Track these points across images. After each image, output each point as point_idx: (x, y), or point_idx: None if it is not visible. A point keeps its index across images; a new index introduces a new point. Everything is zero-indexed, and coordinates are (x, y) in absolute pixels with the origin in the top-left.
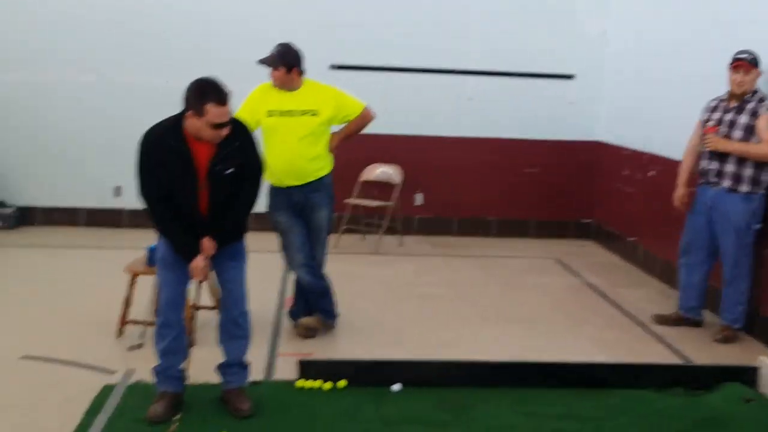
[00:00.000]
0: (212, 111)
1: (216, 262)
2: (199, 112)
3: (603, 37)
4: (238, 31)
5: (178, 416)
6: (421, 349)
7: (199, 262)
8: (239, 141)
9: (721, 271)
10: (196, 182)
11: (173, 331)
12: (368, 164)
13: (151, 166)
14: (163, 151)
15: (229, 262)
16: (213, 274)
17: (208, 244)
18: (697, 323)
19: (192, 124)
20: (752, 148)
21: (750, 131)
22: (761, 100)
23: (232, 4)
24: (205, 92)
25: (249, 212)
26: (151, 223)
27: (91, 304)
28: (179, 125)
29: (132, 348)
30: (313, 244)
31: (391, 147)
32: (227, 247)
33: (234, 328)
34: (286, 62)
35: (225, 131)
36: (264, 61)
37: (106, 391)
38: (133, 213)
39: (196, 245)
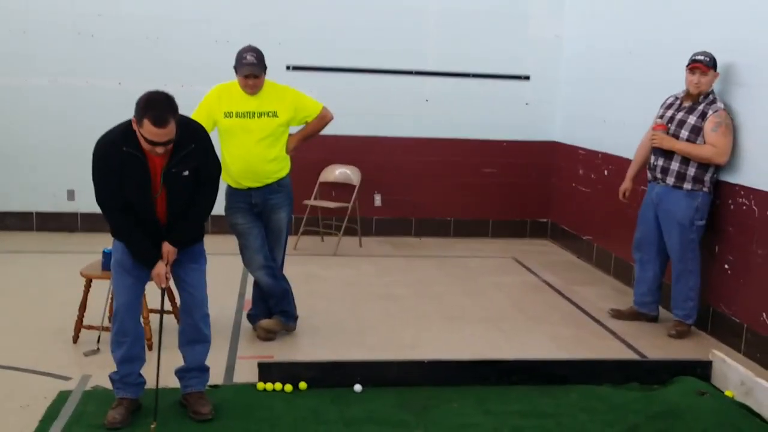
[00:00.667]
0: (147, 127)
1: (175, 265)
2: (138, 123)
3: (557, 40)
4: (194, 33)
5: (154, 424)
6: (383, 349)
7: (160, 270)
8: (195, 143)
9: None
10: (152, 186)
11: (129, 338)
12: (327, 165)
13: (106, 173)
14: (117, 156)
15: (189, 264)
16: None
17: (168, 249)
18: (652, 318)
19: (136, 129)
20: (694, 149)
21: (697, 132)
22: (712, 102)
23: (186, 6)
24: (148, 107)
25: (207, 215)
26: (110, 229)
27: (46, 310)
28: (130, 130)
29: (88, 353)
30: (272, 246)
31: (349, 148)
32: (187, 249)
33: (194, 332)
34: (264, 66)
35: (159, 150)
36: (254, 74)
37: (62, 397)
38: (87, 216)
39: (155, 252)
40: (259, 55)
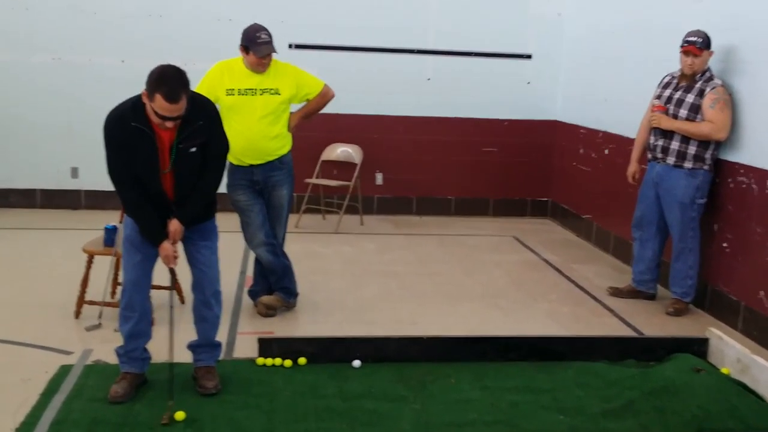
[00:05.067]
0: (159, 102)
1: (187, 243)
2: (150, 97)
3: (559, 19)
4: (196, 10)
5: (171, 403)
6: (382, 325)
7: (168, 251)
8: (203, 119)
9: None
10: (161, 162)
11: (137, 313)
12: (328, 144)
13: (116, 148)
14: (126, 132)
15: (200, 242)
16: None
17: (175, 228)
18: (650, 296)
19: (146, 103)
20: (693, 127)
21: (695, 110)
22: (709, 79)
23: None
24: (160, 82)
25: (214, 192)
26: (122, 205)
27: (49, 285)
28: (139, 105)
29: (90, 328)
30: (274, 223)
31: (351, 127)
32: (199, 226)
33: (205, 309)
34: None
35: (169, 124)
36: (271, 51)
37: (64, 371)
38: (91, 194)
39: (162, 230)
40: (270, 34)
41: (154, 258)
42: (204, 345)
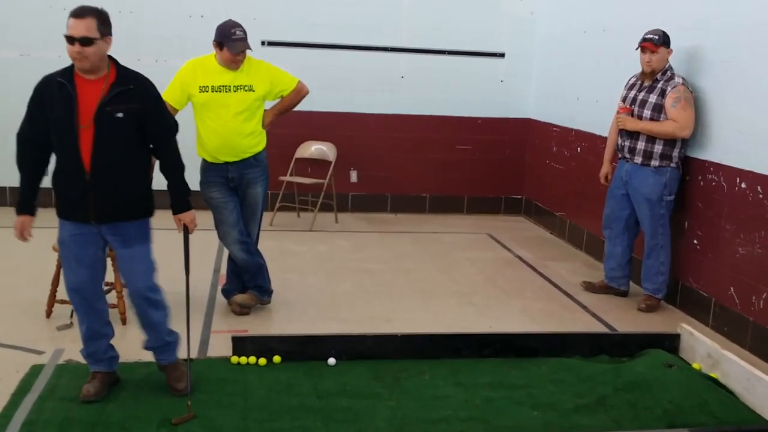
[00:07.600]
0: (68, 23)
1: (116, 246)
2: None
3: (531, 18)
4: (168, 7)
5: (189, 401)
6: (357, 323)
7: (191, 217)
8: (133, 85)
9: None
10: (77, 122)
11: (85, 316)
12: (303, 142)
13: (30, 104)
14: (49, 86)
15: (120, 250)
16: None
17: (190, 218)
18: (622, 293)
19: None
20: (657, 127)
21: (659, 110)
22: (670, 78)
23: None
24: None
25: (182, 167)
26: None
27: (19, 284)
28: (69, 67)
29: (61, 327)
30: (248, 221)
31: (325, 124)
32: (120, 228)
33: (146, 306)
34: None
35: (77, 48)
36: (246, 47)
37: (35, 371)
38: None
39: (31, 202)
40: (244, 30)
41: (90, 262)
42: (159, 345)
